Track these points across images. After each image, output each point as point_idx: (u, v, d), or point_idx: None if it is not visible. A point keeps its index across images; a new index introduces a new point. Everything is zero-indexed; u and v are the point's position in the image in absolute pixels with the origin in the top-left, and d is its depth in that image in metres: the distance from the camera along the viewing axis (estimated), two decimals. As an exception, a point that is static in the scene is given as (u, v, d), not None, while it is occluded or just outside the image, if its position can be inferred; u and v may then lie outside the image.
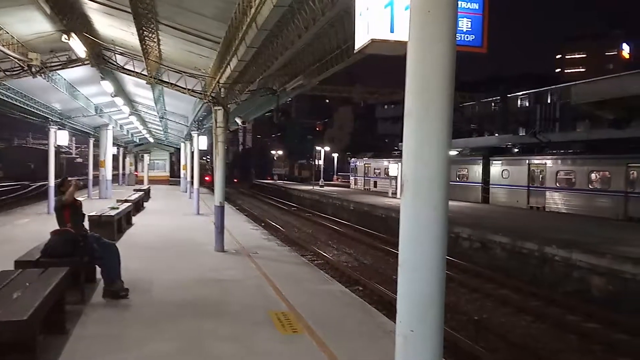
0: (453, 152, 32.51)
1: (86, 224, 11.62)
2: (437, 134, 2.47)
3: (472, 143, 36.40)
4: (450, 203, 2.69)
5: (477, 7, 3.63)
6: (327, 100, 76.13)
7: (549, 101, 44.66)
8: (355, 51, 3.73)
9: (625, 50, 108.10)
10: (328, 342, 6.04)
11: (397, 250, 2.58)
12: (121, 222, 14.25)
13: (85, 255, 7.21)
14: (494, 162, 29.19)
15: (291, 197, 40.87)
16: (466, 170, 31.44)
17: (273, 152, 74.10)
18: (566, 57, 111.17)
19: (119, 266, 7.61)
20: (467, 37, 3.64)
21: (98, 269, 7.95)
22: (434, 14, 2.46)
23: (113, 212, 13.23)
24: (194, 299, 7.84)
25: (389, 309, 10.67)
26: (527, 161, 26.69)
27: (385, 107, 71.91)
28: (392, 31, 3.41)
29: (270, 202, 38.99)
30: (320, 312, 7.36)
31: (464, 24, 3.62)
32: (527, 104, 47.90)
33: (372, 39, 3.46)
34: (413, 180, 2.49)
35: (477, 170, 30.57)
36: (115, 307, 7.22)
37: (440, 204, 2.46)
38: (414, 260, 2.50)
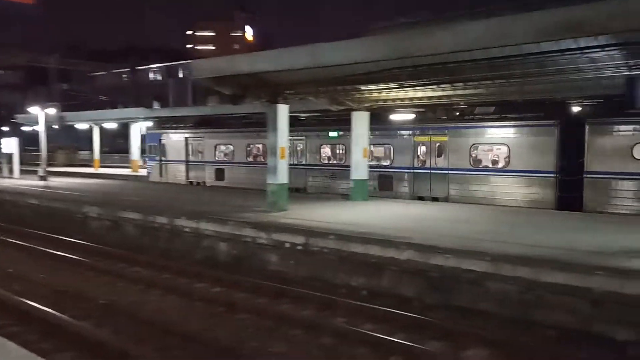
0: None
1: None
2: None
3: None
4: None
5: None
6: None
7: (180, 76, 46.05)
8: None
9: (249, 33, 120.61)
10: None
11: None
12: None
13: None
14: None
15: None
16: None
17: None
18: (197, 34, 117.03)
19: None
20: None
21: None
22: None
23: None
24: None
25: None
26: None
27: (2, 72, 61.94)
28: None
29: None
30: None
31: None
32: (160, 78, 48.39)
33: None
34: None
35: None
36: None
37: None
38: None
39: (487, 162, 17.17)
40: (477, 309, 8.65)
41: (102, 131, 38.08)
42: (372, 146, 19.19)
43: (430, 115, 18.49)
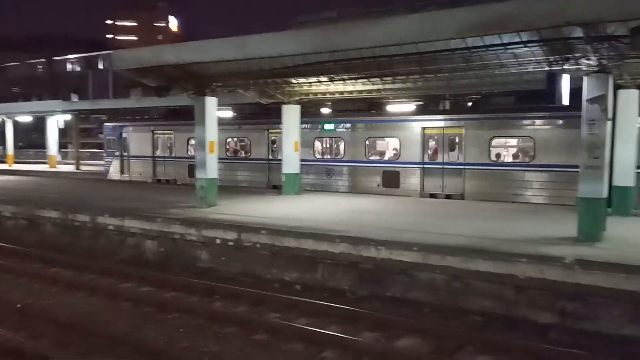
0: None
1: None
2: None
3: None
4: None
5: None
6: None
7: (100, 67, 43.98)
8: None
9: (173, 23, 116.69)
10: None
11: None
12: None
13: None
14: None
15: None
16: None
17: None
18: (117, 23, 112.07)
19: None
20: None
21: None
22: None
23: None
24: None
25: None
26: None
27: None
28: None
29: None
30: None
31: None
32: (79, 69, 46.00)
33: None
34: None
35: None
36: None
37: None
38: None
39: (508, 157, 16.13)
40: (408, 298, 8.84)
41: (16, 125, 35.70)
42: (374, 139, 18.51)
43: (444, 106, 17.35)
